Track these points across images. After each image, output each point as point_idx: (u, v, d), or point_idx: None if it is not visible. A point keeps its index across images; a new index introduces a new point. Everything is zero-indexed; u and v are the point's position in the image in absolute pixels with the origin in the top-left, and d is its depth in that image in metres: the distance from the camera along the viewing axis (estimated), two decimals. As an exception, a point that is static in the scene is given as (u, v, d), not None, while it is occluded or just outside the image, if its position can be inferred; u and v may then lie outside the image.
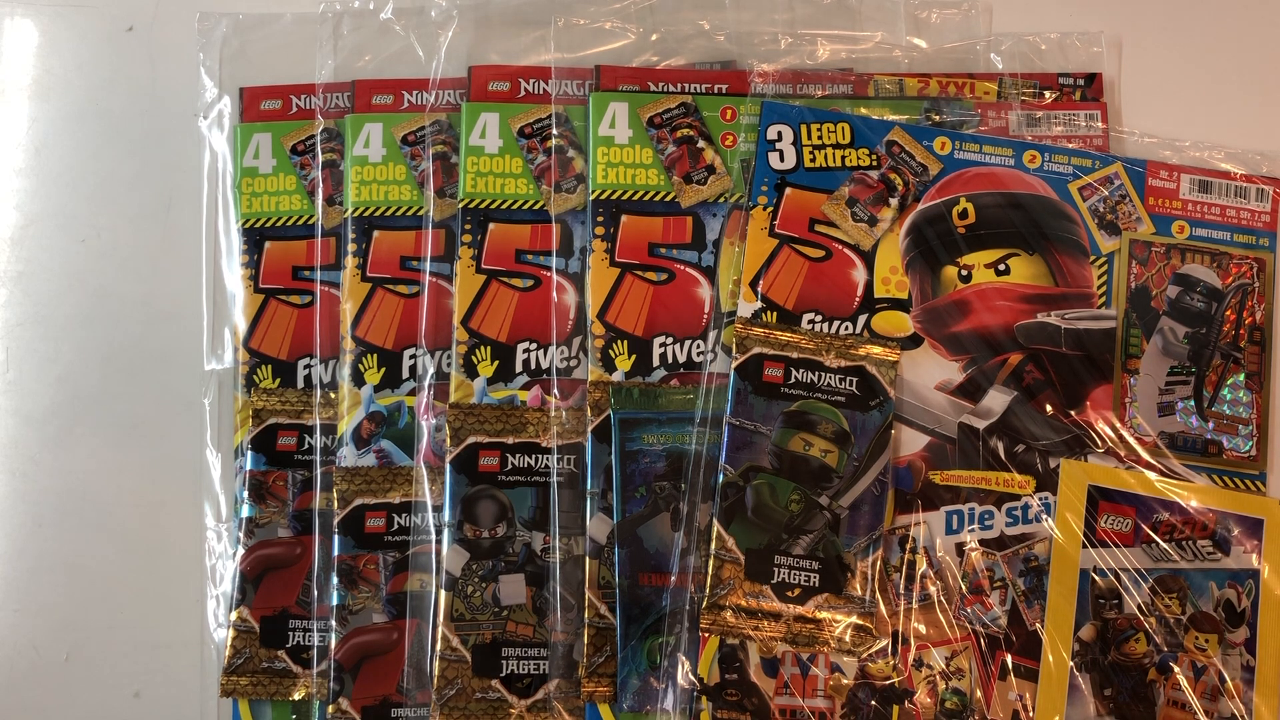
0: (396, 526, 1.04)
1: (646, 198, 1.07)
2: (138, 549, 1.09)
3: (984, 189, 1.06)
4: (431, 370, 1.06)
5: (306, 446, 1.06)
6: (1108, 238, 1.06)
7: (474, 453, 1.03)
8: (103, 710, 1.07)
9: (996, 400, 1.04)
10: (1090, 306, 1.05)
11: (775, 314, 1.04)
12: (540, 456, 1.04)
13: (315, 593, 1.04)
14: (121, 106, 1.15)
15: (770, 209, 1.06)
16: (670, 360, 1.05)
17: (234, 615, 1.04)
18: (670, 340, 1.05)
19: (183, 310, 1.11)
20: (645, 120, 1.07)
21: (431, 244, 1.07)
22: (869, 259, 1.06)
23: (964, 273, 1.06)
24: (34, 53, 1.17)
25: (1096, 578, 1.01)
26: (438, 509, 1.03)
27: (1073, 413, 1.04)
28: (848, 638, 0.99)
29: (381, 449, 1.05)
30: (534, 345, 1.06)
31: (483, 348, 1.06)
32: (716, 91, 1.09)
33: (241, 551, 1.05)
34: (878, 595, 1.00)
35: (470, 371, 1.05)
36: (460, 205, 1.07)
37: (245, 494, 1.05)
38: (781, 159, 1.06)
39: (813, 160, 1.06)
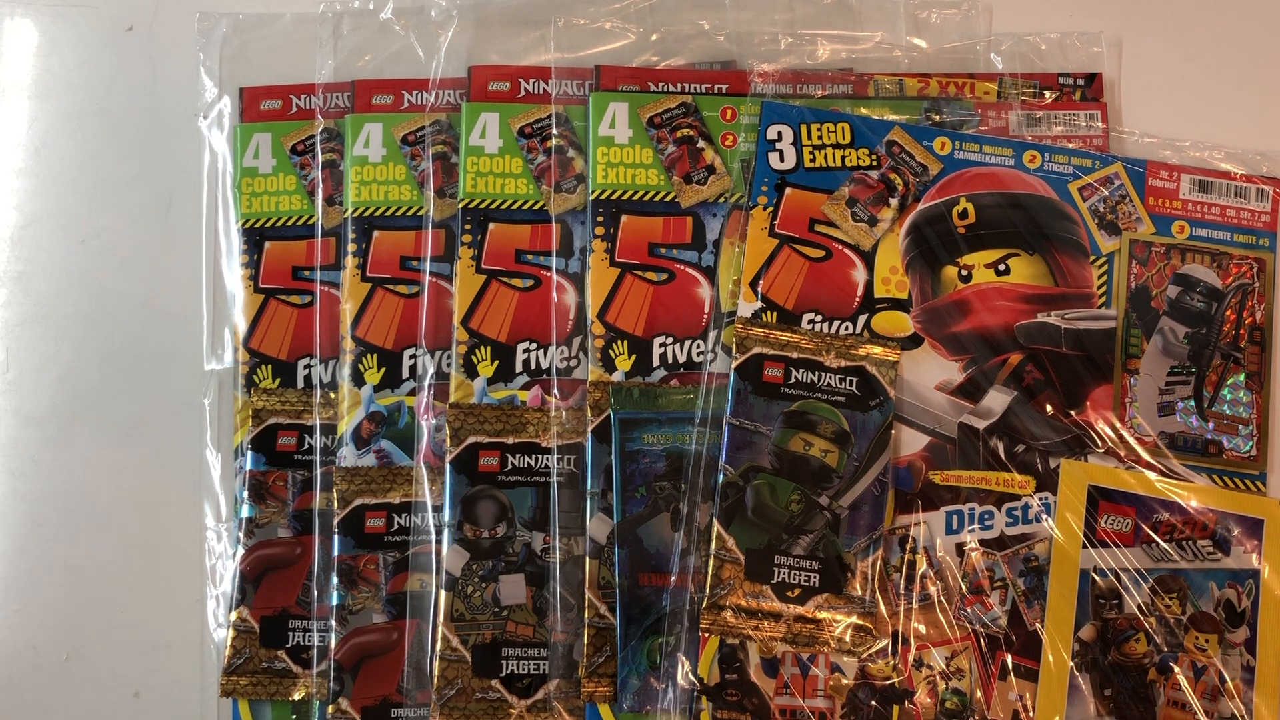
0: (396, 526, 1.04)
1: (646, 198, 1.07)
2: (138, 549, 1.09)
3: (984, 189, 1.06)
4: (431, 370, 1.06)
5: (306, 446, 1.06)
6: (1108, 238, 1.06)
7: (474, 453, 1.03)
8: (103, 710, 1.07)
9: (996, 400, 1.04)
10: (1090, 306, 1.05)
11: (775, 314, 1.04)
12: (540, 456, 1.04)
13: (315, 593, 1.04)
14: (121, 106, 1.15)
15: (770, 209, 1.06)
16: (670, 360, 1.05)
17: (234, 615, 1.04)
18: (670, 340, 1.05)
19: (183, 310, 1.11)
20: (645, 120, 1.07)
21: (431, 244, 1.07)
22: (869, 259, 1.06)
23: (964, 273, 1.06)
24: (34, 53, 1.17)
25: (1096, 578, 1.01)
26: (438, 509, 1.03)
27: (1073, 413, 1.04)
28: (848, 638, 0.99)
29: (381, 449, 1.05)
30: (534, 345, 1.06)
31: (483, 348, 1.06)
32: (716, 91, 1.09)
33: (241, 551, 1.05)
34: (878, 595, 1.00)
35: (470, 371, 1.05)
36: (460, 205, 1.07)
37: (245, 494, 1.05)
38: (781, 159, 1.06)
39: (813, 160, 1.06)
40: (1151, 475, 1.02)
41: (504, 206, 1.07)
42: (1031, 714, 0.99)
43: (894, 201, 1.06)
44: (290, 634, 1.04)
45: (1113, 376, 1.05)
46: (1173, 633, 1.00)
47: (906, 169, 1.06)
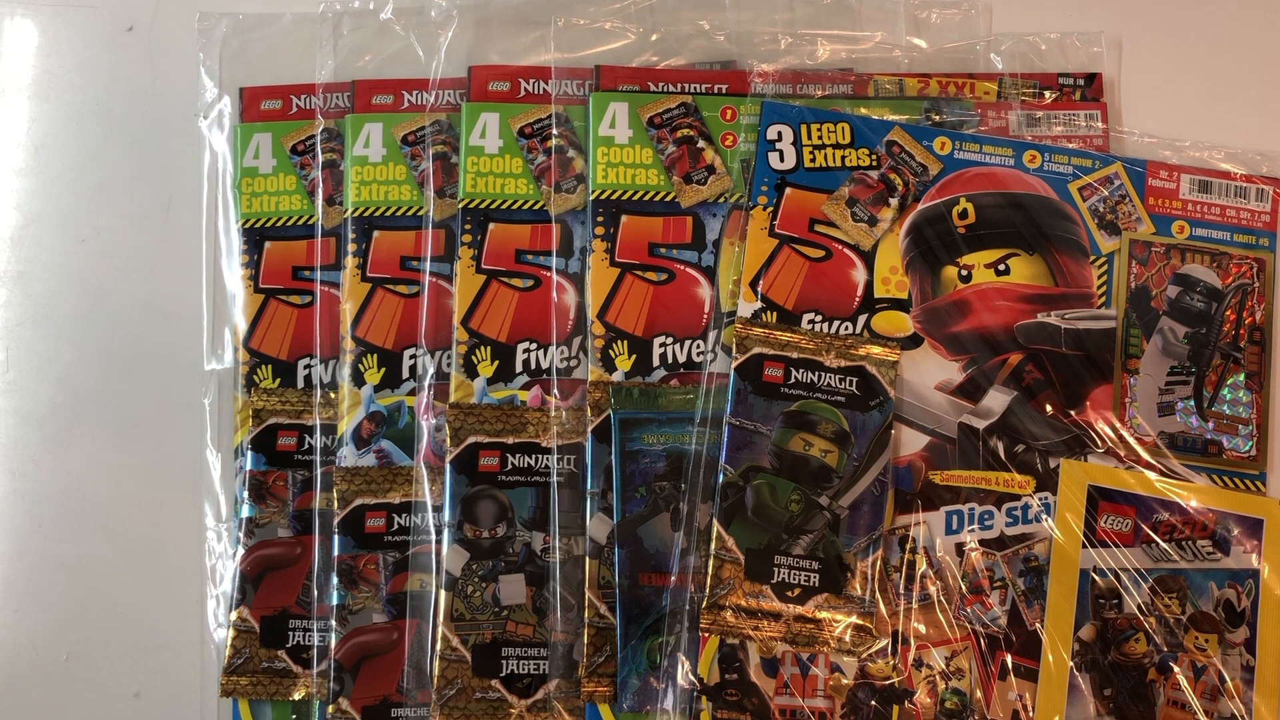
0: (396, 526, 1.04)
1: (646, 198, 1.07)
2: (138, 549, 1.09)
3: (984, 189, 1.06)
4: (431, 370, 1.06)
5: (306, 446, 1.06)
6: (1108, 238, 1.06)
7: (474, 453, 1.03)
8: (103, 710, 1.07)
9: (996, 400, 1.04)
10: (1090, 306, 1.05)
11: (775, 314, 1.04)
12: (540, 456, 1.04)
13: (315, 593, 1.04)
14: (121, 106, 1.15)
15: (770, 209, 1.06)
16: (670, 360, 1.05)
17: (234, 615, 1.04)
18: (670, 340, 1.05)
19: (183, 310, 1.11)
20: (645, 120, 1.07)
21: (431, 244, 1.07)
22: (869, 259, 1.06)
23: (964, 273, 1.06)
24: (34, 53, 1.17)
25: (1096, 578, 1.01)
26: (438, 509, 1.03)
27: (1073, 413, 1.04)
28: (848, 638, 0.99)
29: (381, 449, 1.05)
30: (534, 345, 1.06)
31: (483, 348, 1.06)
32: (716, 91, 1.09)
33: (241, 551, 1.05)
34: (878, 595, 1.00)
35: (470, 371, 1.05)
36: (460, 205, 1.07)
37: (245, 494, 1.05)
38: (781, 159, 1.06)
39: (813, 160, 1.06)
40: (1151, 475, 1.02)
41: (504, 206, 1.07)
42: (1031, 714, 0.99)
43: (894, 201, 1.06)
44: (290, 634, 1.04)
45: (1113, 376, 1.05)
46: (1172, 633, 1.00)
47: (906, 169, 1.06)
